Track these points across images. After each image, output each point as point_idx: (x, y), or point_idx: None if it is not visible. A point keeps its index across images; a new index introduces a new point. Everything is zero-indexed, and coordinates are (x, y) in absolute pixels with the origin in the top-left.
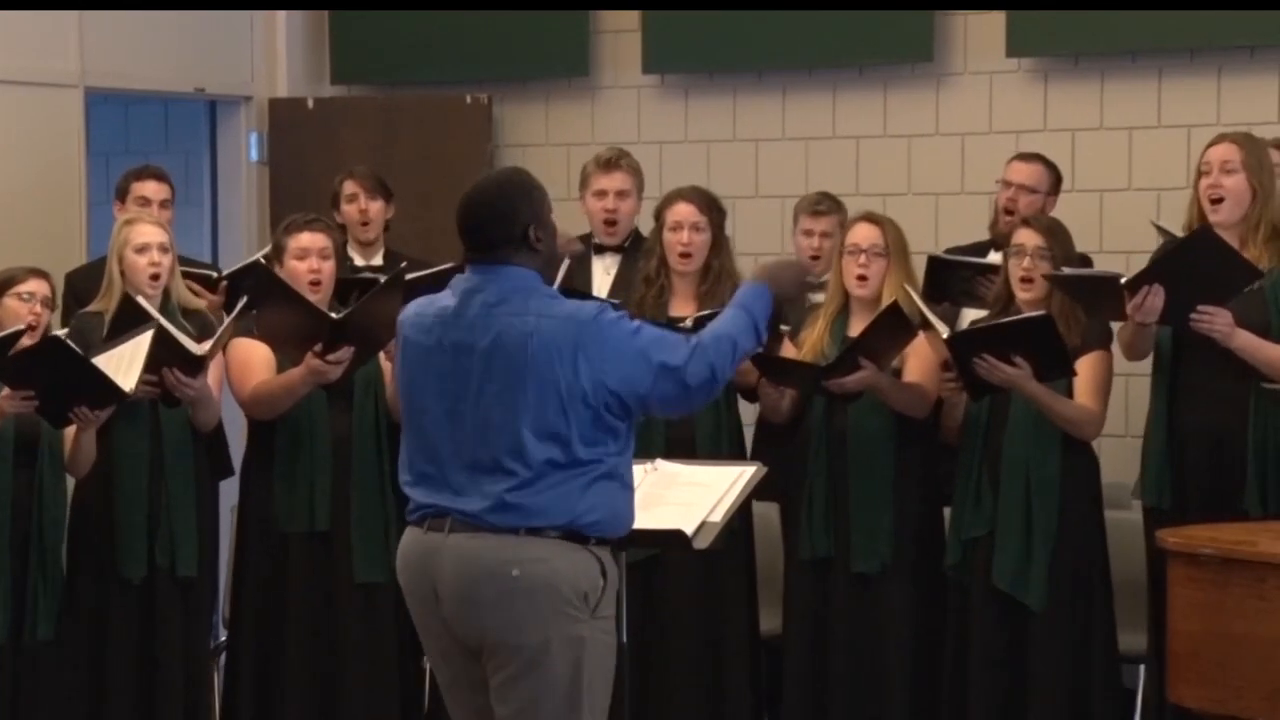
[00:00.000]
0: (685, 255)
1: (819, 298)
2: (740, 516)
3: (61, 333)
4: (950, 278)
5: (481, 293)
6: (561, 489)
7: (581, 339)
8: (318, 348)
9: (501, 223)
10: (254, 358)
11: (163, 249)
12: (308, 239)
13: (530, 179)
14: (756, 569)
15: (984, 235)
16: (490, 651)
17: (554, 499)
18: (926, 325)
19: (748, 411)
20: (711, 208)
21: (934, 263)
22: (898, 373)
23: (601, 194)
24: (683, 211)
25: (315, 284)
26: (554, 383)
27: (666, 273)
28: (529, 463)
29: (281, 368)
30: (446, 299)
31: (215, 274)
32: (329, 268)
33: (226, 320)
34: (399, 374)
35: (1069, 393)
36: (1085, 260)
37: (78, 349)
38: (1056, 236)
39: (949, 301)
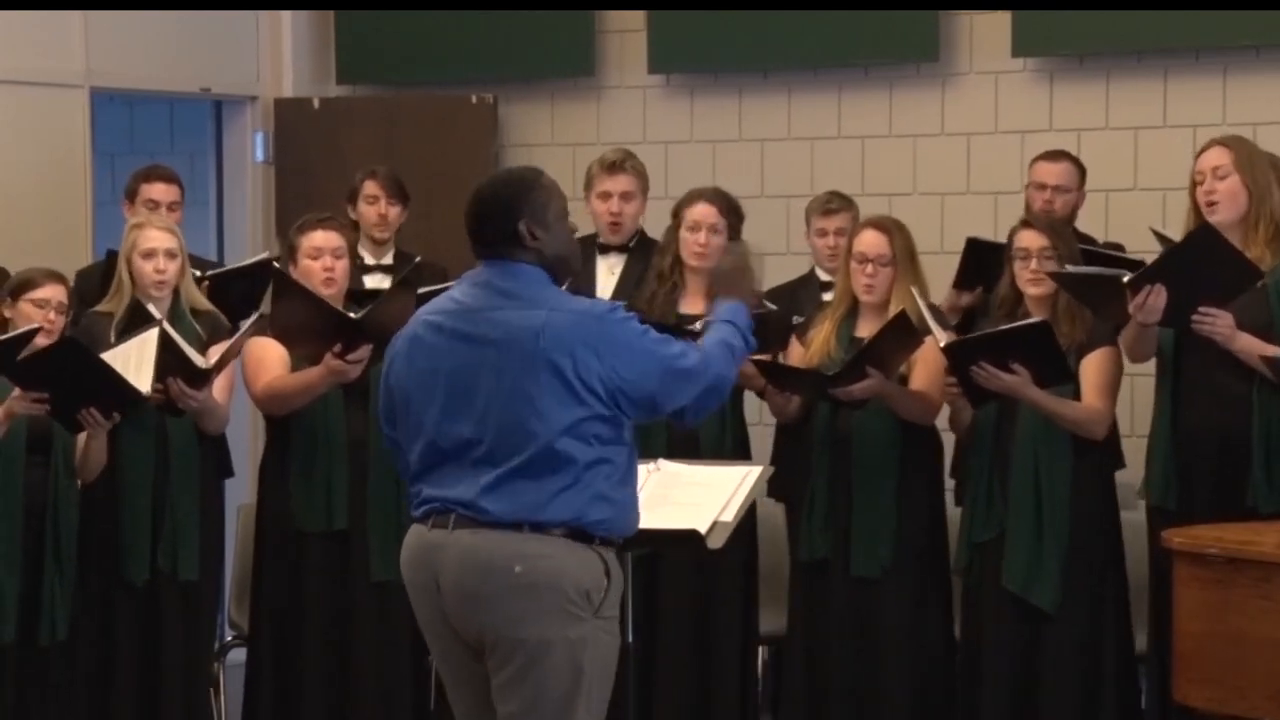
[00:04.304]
0: (700, 254)
1: (827, 296)
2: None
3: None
4: (991, 261)
5: (490, 288)
6: (567, 481)
7: (594, 333)
8: (337, 348)
9: (494, 220)
10: (269, 356)
11: (170, 255)
12: (321, 238)
13: (534, 179)
14: (759, 569)
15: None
16: (491, 648)
17: (558, 492)
18: (928, 332)
19: (752, 412)
20: (730, 211)
21: (971, 245)
22: (904, 379)
23: (606, 196)
24: (702, 212)
25: (329, 282)
26: (564, 375)
27: (681, 270)
28: (538, 452)
29: (296, 367)
30: (454, 293)
31: (197, 273)
32: (342, 266)
33: (238, 334)
34: (399, 371)
35: (1076, 390)
36: (1116, 247)
37: (93, 352)
38: (1060, 235)
39: (986, 288)
